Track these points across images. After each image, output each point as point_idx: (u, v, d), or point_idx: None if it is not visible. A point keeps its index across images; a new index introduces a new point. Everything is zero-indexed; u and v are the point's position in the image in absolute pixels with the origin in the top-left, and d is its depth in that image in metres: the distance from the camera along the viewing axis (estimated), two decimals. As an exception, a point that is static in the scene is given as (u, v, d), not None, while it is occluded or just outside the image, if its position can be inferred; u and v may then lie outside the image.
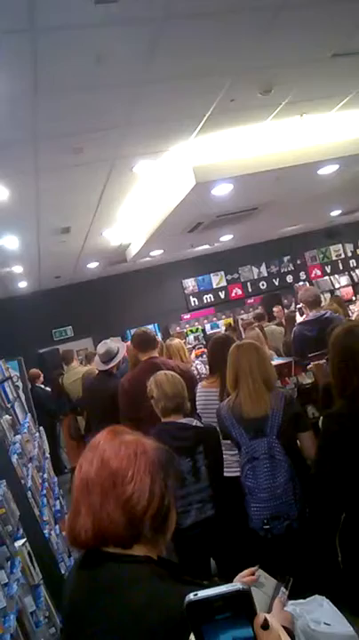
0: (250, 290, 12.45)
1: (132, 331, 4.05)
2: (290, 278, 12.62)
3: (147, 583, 0.87)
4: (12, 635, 1.57)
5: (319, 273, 12.76)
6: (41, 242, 7.11)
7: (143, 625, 0.78)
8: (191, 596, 0.52)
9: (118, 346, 4.59)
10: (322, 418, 2.25)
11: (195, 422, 2.69)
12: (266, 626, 0.52)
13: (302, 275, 12.71)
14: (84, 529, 0.92)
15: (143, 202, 6.59)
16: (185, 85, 3.81)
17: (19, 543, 2.21)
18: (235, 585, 0.52)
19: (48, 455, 5.78)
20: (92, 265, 9.85)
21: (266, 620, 0.52)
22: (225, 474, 2.83)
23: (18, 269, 8.42)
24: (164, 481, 0.98)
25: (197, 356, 7.32)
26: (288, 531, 2.52)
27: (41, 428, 6.40)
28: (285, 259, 12.67)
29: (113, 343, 4.62)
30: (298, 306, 7.61)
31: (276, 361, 4.08)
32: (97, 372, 4.74)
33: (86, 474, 0.96)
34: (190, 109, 4.26)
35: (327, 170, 6.30)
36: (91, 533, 0.91)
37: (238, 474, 2.73)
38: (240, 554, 2.79)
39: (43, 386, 8.25)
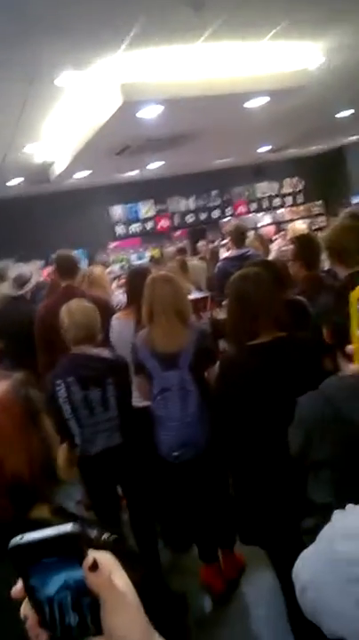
0: (176, 223, 12.33)
1: (57, 253, 3.89)
2: (216, 213, 12.59)
3: None
4: None
5: (244, 210, 12.82)
6: None
7: None
8: (17, 539, 0.49)
9: (31, 270, 4.40)
10: (219, 362, 2.34)
11: (105, 353, 2.69)
12: (94, 567, 0.50)
13: (229, 210, 12.71)
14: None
15: (68, 118, 6.16)
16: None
17: None
18: (65, 527, 0.49)
19: None
20: (14, 182, 9.24)
21: (95, 561, 0.50)
22: (133, 404, 2.90)
23: None
24: (36, 425, 0.87)
25: (121, 287, 7.24)
26: (196, 457, 2.65)
27: None
28: (213, 193, 12.57)
29: (25, 267, 4.42)
30: (223, 241, 7.65)
31: (193, 295, 4.13)
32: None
33: None
34: (118, 16, 3.91)
35: (256, 102, 6.16)
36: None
37: (145, 403, 2.80)
38: (146, 478, 2.92)
39: None
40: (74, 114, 6.03)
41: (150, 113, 5.70)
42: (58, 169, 8.54)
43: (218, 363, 2.39)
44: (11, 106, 5.36)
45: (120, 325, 3.33)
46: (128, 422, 2.74)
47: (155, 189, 11.69)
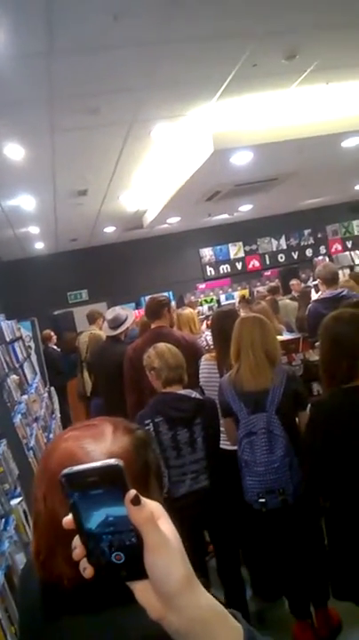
0: (268, 262, 12.31)
1: (147, 297, 4.06)
2: (309, 252, 12.44)
3: None
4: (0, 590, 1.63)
5: (340, 248, 12.52)
6: (58, 203, 7.08)
7: None
8: (67, 469, 0.52)
9: (127, 313, 4.60)
10: (309, 406, 2.25)
11: (194, 394, 2.70)
12: (137, 501, 0.50)
13: (322, 249, 12.51)
14: (67, 578, 0.73)
15: (160, 167, 6.48)
16: (205, 47, 3.68)
17: (15, 502, 2.27)
18: (109, 460, 0.52)
19: (57, 415, 5.89)
20: (109, 229, 9.80)
21: (137, 495, 0.50)
22: (221, 446, 2.86)
23: (34, 230, 8.42)
24: (148, 489, 0.82)
25: (209, 327, 7.29)
26: (283, 505, 2.54)
27: (52, 388, 6.51)
28: (306, 232, 12.46)
29: (122, 310, 4.63)
30: (313, 282, 7.49)
31: (285, 336, 4.06)
32: (105, 337, 4.78)
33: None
34: (211, 73, 4.12)
35: (352, 142, 6.10)
36: (72, 584, 0.72)
37: (234, 447, 2.75)
38: (233, 524, 2.84)
39: (55, 347, 8.36)
40: (166, 163, 6.33)
41: (241, 159, 5.84)
42: (150, 216, 8.94)
43: (308, 406, 2.31)
44: (108, 159, 5.77)
45: (208, 367, 3.34)
46: (215, 465, 2.70)
47: (244, 231, 11.83)
